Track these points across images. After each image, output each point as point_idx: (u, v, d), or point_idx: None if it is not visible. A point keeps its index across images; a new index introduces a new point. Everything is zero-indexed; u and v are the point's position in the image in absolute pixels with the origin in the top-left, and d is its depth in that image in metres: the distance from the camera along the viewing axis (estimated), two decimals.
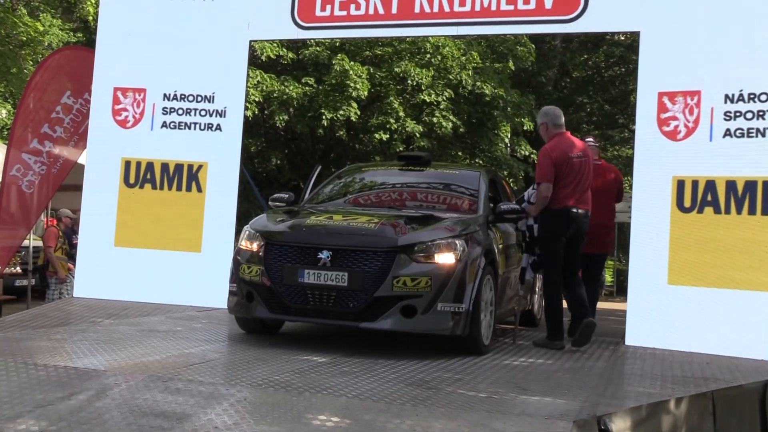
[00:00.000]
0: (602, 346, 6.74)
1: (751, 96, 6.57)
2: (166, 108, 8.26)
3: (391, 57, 17.33)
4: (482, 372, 5.13)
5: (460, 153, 19.37)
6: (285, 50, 16.84)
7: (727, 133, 6.62)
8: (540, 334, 6.91)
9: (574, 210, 6.49)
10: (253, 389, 4.18)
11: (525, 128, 18.34)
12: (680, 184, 6.72)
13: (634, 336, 6.76)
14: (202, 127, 8.20)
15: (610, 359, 6.03)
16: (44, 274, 10.89)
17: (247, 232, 6.00)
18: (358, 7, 7.83)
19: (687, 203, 6.68)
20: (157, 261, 8.05)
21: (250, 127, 18.29)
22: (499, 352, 6.03)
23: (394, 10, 7.74)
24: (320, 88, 16.78)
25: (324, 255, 5.50)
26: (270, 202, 6.84)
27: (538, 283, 7.92)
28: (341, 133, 18.41)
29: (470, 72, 17.19)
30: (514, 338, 6.78)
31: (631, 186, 7.13)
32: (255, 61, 16.70)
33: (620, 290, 21.51)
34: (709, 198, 6.62)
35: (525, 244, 6.73)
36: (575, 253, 6.60)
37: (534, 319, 8.18)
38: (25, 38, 15.18)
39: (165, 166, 8.19)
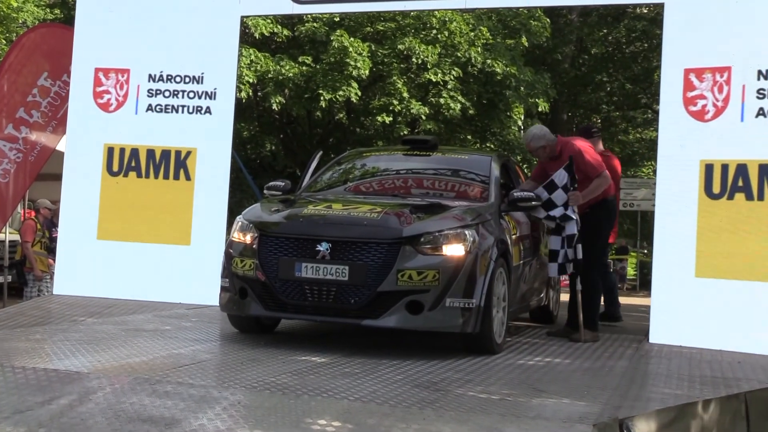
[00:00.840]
0: (624, 344, 6.75)
1: None
2: (152, 90, 8.26)
3: (394, 33, 17.29)
4: (494, 372, 5.14)
5: (469, 136, 19.34)
6: (280, 27, 16.81)
7: (761, 112, 6.59)
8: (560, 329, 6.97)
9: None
10: (248, 392, 4.19)
11: (540, 109, 18.30)
12: (708, 169, 6.70)
13: (659, 333, 6.75)
14: (191, 110, 8.19)
15: (633, 358, 6.04)
16: (22, 270, 10.91)
17: (240, 223, 6.01)
18: None
19: (716, 189, 6.66)
20: (143, 255, 8.05)
21: (242, 110, 18.26)
22: (512, 351, 6.04)
23: None
24: (318, 67, 16.76)
25: (323, 247, 5.50)
26: (265, 191, 6.84)
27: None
28: (341, 115, 18.40)
29: (480, 49, 17.15)
30: (582, 337, 6.66)
31: (655, 171, 7.12)
32: (247, 38, 16.67)
33: (644, 284, 21.54)
34: (740, 183, 6.59)
35: (568, 238, 6.57)
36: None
37: (551, 316, 8.18)
38: None
39: (151, 153, 8.19)
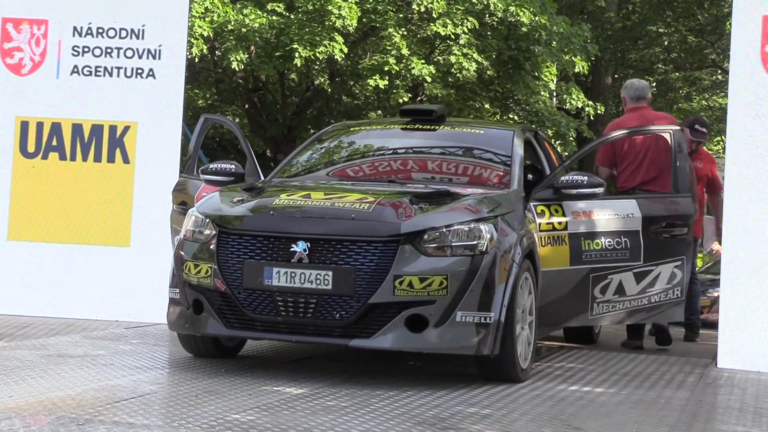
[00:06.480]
0: (685, 369, 6.79)
1: None
2: (78, 47, 8.26)
3: None
4: (519, 405, 5.17)
5: (487, 105, 19.36)
6: None
7: None
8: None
9: None
10: None
11: (577, 70, 18.32)
12: None
13: (730, 356, 6.80)
14: (129, 73, 8.20)
15: (695, 387, 6.08)
16: None
17: (193, 218, 6.03)
18: None
19: None
20: (68, 260, 8.07)
21: (195, 73, 18.25)
22: (541, 379, 6.07)
23: None
24: (292, 17, 16.77)
25: (299, 247, 5.52)
26: (202, 177, 6.86)
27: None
28: (321, 79, 18.39)
29: None
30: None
31: (725, 148, 7.14)
32: None
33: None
34: None
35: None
36: None
37: (591, 335, 8.21)
38: None
39: (77, 129, 8.20)
